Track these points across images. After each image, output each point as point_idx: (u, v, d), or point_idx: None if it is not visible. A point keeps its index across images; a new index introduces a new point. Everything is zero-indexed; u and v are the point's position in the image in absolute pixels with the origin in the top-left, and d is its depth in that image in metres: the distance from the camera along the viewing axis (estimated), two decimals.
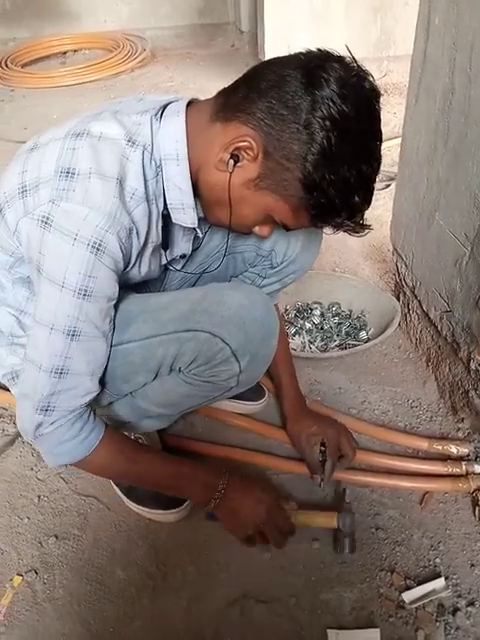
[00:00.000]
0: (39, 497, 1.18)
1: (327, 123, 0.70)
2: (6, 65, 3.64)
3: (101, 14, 4.06)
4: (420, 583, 1.01)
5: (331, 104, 0.69)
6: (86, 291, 0.77)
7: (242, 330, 0.86)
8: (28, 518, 1.14)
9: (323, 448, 1.15)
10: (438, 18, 1.20)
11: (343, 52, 0.74)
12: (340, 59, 0.73)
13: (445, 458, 1.19)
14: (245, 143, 0.74)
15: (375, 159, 0.75)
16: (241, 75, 0.79)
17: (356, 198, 0.75)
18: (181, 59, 3.83)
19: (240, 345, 0.87)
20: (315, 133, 0.71)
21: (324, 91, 0.70)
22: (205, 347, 0.86)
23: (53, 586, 1.04)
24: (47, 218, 0.75)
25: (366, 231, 0.81)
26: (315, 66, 0.71)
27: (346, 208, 0.76)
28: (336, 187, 0.73)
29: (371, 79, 0.73)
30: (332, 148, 0.71)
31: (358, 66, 0.73)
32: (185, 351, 0.88)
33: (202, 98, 0.86)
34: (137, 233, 0.81)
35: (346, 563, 1.05)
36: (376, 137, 0.75)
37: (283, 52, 0.79)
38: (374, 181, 0.76)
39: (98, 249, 0.75)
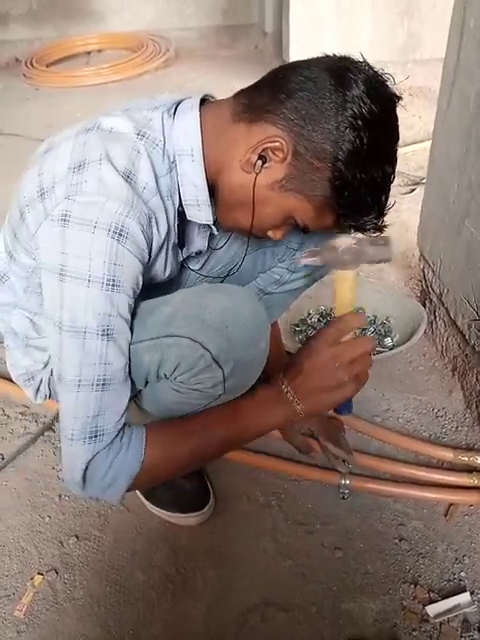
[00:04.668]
0: (60, 496, 1.18)
1: (359, 122, 0.71)
2: (32, 65, 3.68)
3: (126, 14, 4.08)
4: (444, 597, 0.99)
5: (362, 104, 0.70)
6: (114, 281, 0.73)
7: (223, 335, 0.81)
8: (49, 517, 1.15)
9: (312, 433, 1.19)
10: (473, 20, 1.18)
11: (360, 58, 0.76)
12: (362, 62, 0.74)
13: (471, 470, 1.17)
14: (276, 144, 0.74)
15: (395, 159, 0.77)
16: (262, 76, 0.79)
17: (383, 197, 0.77)
18: (204, 60, 3.84)
19: (222, 351, 0.81)
20: (347, 132, 0.71)
21: (354, 91, 0.71)
22: (186, 353, 0.81)
23: (73, 586, 1.04)
24: (65, 215, 0.73)
25: (382, 232, 0.81)
26: (342, 67, 0.73)
27: (376, 207, 0.77)
28: (367, 186, 0.74)
29: (390, 82, 0.75)
30: (364, 147, 0.72)
31: (378, 69, 0.75)
32: (168, 358, 0.83)
33: (219, 97, 0.85)
34: (157, 222, 0.80)
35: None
36: (396, 139, 0.77)
37: (307, 54, 0.80)
38: (392, 182, 0.77)
39: (120, 234, 0.72)
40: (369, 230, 0.80)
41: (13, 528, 1.13)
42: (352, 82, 0.71)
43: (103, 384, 0.76)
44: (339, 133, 0.71)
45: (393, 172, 0.76)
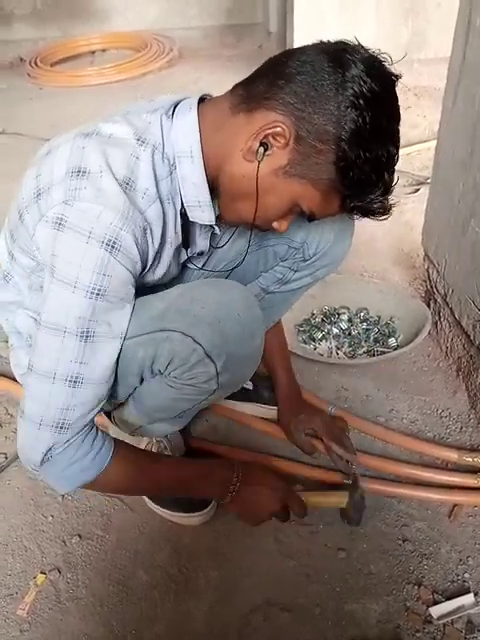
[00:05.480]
0: (63, 496, 1.18)
1: (360, 102, 0.70)
2: (36, 64, 3.68)
3: (130, 14, 4.08)
4: (448, 598, 0.98)
5: (362, 83, 0.70)
6: (100, 291, 0.74)
7: (216, 329, 0.81)
8: (52, 516, 1.15)
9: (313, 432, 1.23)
10: (479, 19, 1.17)
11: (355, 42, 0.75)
12: (358, 45, 0.74)
13: (475, 470, 1.17)
14: (277, 129, 0.73)
15: (398, 138, 0.76)
16: (258, 67, 0.78)
17: (388, 175, 0.76)
18: (208, 59, 3.83)
19: (214, 345, 0.82)
20: (348, 111, 0.70)
21: (353, 71, 0.70)
22: (179, 348, 0.82)
23: (76, 585, 1.04)
24: (60, 219, 0.73)
25: (390, 214, 0.81)
26: (338, 49, 0.72)
27: (381, 184, 0.76)
28: (372, 164, 0.73)
29: (388, 62, 0.74)
30: (366, 126, 0.71)
31: (374, 51, 0.74)
32: (161, 353, 0.84)
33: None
34: (151, 233, 0.79)
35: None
36: (398, 117, 0.76)
37: None
38: (397, 161, 0.77)
39: (113, 247, 0.73)
40: (376, 210, 0.79)
41: (16, 527, 1.13)
42: (350, 62, 0.70)
43: (75, 381, 0.78)
44: (340, 113, 0.70)
45: (397, 151, 0.76)
